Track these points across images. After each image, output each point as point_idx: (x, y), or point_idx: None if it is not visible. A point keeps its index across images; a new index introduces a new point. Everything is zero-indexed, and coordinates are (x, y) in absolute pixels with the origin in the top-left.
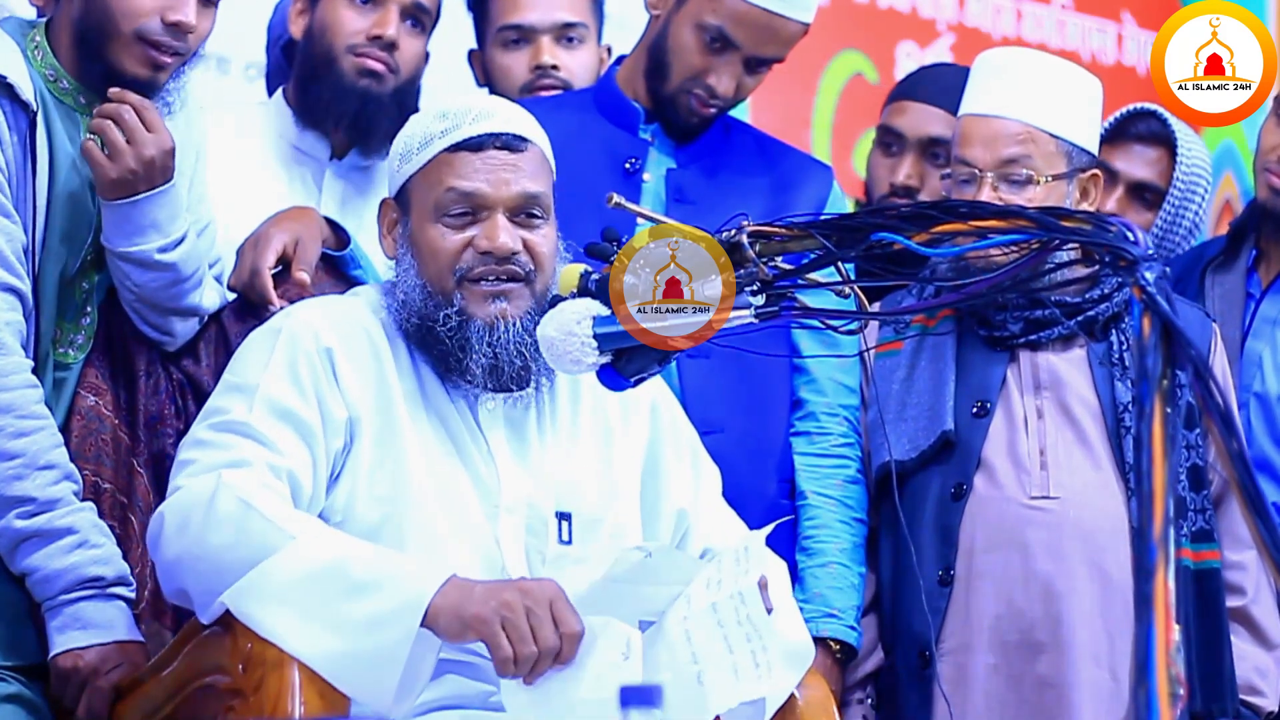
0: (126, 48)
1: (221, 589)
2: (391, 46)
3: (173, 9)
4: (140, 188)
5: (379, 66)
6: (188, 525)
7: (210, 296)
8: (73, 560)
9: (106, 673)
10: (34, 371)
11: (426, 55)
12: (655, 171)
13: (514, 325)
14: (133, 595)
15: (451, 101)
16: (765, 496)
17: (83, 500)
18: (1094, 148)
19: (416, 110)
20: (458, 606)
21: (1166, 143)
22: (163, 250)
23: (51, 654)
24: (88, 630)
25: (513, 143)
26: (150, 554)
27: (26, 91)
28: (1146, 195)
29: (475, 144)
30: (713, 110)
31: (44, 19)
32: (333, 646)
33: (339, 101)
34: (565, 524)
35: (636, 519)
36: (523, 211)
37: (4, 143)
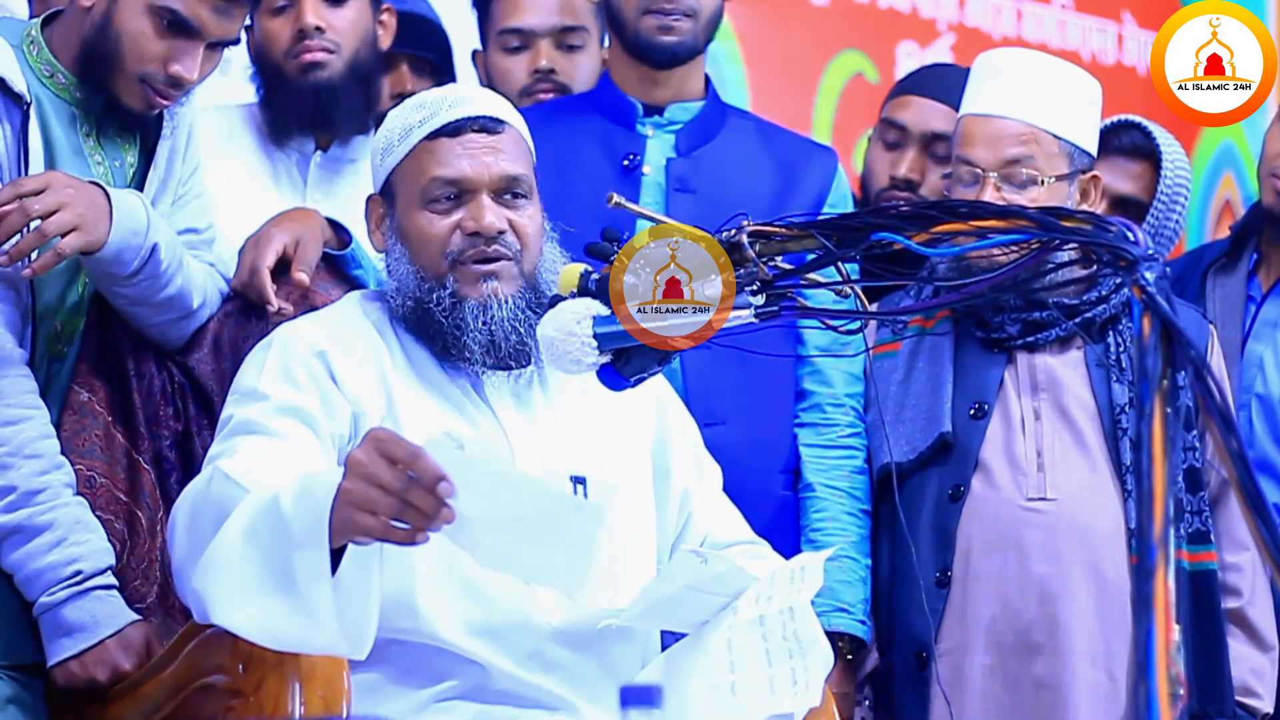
0: (127, 85)
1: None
2: (318, 31)
3: (176, 60)
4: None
5: (316, 55)
6: (175, 523)
7: (200, 274)
8: (50, 560)
9: (108, 669)
10: (29, 364)
11: (379, 6)
12: (655, 163)
13: (506, 303)
14: (114, 582)
15: (428, 93)
16: (767, 488)
17: (77, 493)
18: (1094, 149)
19: (379, 79)
20: (344, 521)
21: (1150, 155)
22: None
23: (49, 664)
24: (73, 636)
25: (490, 125)
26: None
27: (19, 84)
28: (1129, 209)
29: (453, 129)
30: None
31: (41, 16)
32: (269, 611)
33: (296, 103)
34: (580, 487)
35: (650, 492)
36: (506, 192)
37: None
